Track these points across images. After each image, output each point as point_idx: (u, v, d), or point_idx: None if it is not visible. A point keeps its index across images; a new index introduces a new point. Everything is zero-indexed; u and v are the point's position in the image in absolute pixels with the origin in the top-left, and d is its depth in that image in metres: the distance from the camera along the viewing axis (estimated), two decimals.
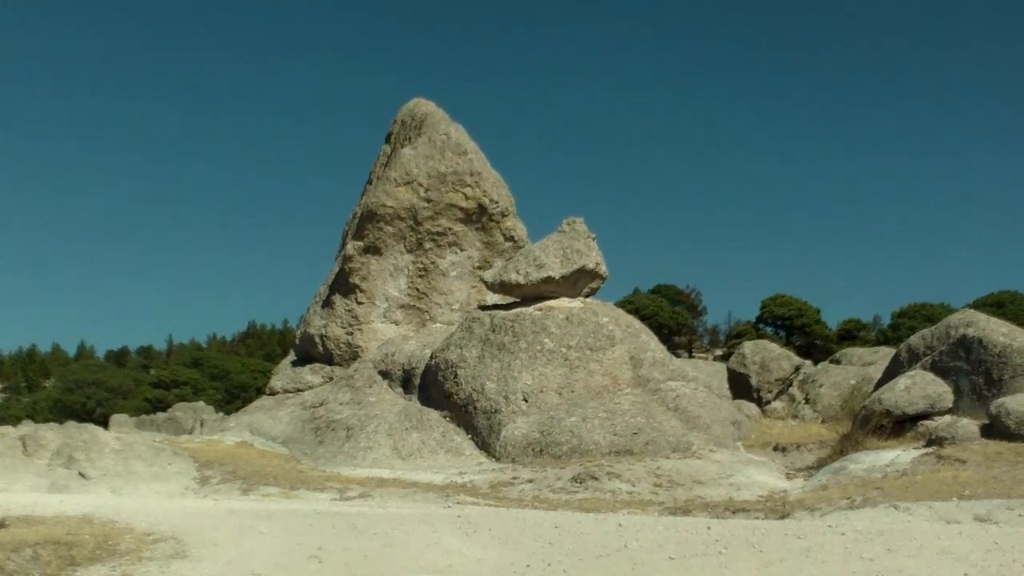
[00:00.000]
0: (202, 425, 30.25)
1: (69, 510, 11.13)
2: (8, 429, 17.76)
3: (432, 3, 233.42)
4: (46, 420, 35.68)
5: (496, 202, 25.10)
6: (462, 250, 25.17)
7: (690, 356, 49.94)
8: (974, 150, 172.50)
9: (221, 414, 33.31)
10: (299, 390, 24.60)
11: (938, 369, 16.91)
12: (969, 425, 14.74)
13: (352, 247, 25.12)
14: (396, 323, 24.91)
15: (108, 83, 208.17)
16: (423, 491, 14.70)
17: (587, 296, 21.56)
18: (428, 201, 24.72)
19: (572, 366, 19.25)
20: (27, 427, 19.63)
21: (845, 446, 16.09)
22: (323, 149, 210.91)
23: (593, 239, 21.32)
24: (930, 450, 14.38)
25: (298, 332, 27.42)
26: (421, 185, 24.78)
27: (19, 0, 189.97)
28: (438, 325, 24.41)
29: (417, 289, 25.01)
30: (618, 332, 20.07)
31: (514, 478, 15.90)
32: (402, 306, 24.99)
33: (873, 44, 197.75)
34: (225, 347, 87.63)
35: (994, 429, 14.40)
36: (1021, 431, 13.95)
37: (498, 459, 17.92)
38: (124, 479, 15.45)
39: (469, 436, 19.07)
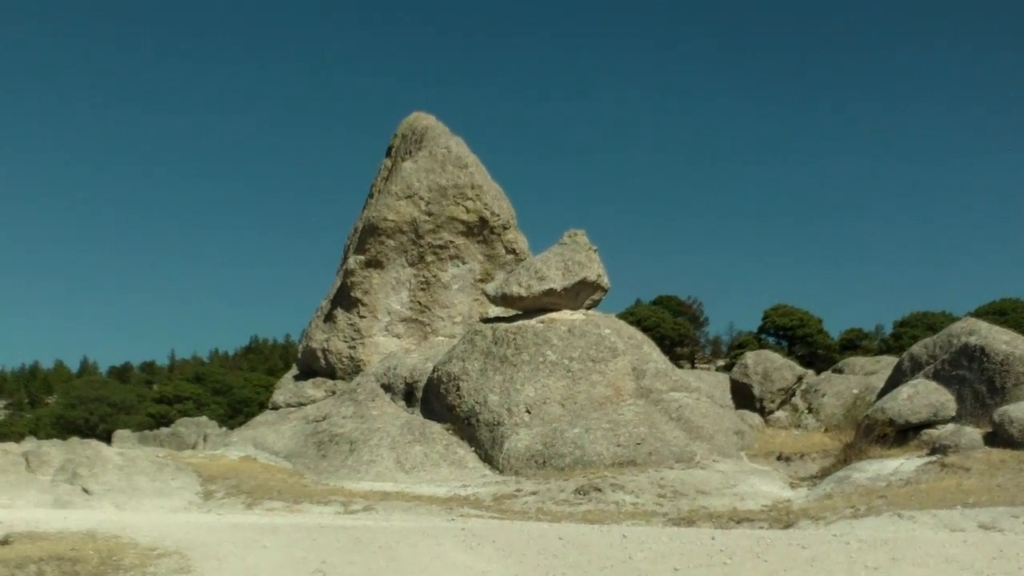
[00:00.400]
0: (205, 440, 30.18)
1: (73, 526, 11.13)
2: (11, 445, 17.80)
3: (432, 17, 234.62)
4: (49, 436, 35.65)
5: (497, 215, 25.16)
6: (464, 263, 25.22)
7: (692, 367, 49.86)
8: (976, 157, 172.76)
9: (224, 429, 33.28)
10: (302, 404, 24.60)
11: (941, 378, 16.90)
12: (972, 433, 14.74)
13: (354, 261, 25.18)
14: (398, 336, 24.94)
15: (108, 93, 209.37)
16: (426, 504, 14.68)
17: (589, 308, 21.58)
18: (429, 214, 24.78)
19: (575, 378, 19.25)
20: (30, 443, 19.64)
21: (849, 455, 16.07)
22: (324, 163, 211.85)
23: (594, 251, 21.36)
24: (934, 459, 14.37)
25: (300, 346, 27.45)
26: (422, 199, 24.86)
27: (20, 10, 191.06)
28: (440, 338, 24.44)
29: (419, 302, 25.04)
30: (620, 343, 20.09)
31: (517, 490, 15.88)
32: (404, 319, 25.03)
33: (875, 49, 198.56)
34: (227, 362, 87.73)
35: (997, 437, 14.40)
36: None
37: (501, 471, 17.90)
38: (128, 494, 15.45)
39: (472, 449, 19.06)
